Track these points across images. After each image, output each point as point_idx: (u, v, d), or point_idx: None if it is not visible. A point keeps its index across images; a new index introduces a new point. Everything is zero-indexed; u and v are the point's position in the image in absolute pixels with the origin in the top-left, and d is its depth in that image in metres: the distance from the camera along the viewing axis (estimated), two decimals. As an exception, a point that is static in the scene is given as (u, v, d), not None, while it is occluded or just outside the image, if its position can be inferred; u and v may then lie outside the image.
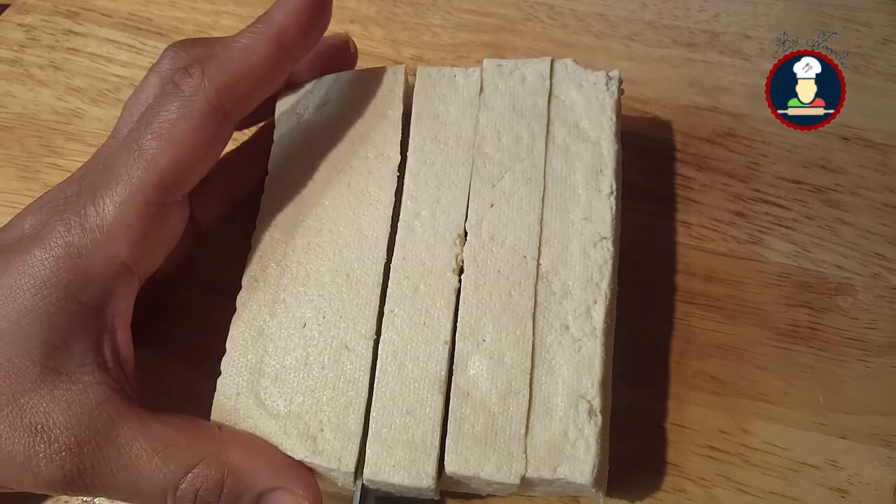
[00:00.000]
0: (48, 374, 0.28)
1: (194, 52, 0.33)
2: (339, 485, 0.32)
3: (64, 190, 0.31)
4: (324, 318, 0.33)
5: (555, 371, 0.31)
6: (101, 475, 0.29)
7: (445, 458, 0.30)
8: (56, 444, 0.28)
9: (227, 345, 0.33)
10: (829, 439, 0.36)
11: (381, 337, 0.32)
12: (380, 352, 0.32)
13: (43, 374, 0.28)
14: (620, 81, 0.36)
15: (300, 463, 0.31)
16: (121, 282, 0.30)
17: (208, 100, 0.31)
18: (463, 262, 0.33)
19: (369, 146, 0.36)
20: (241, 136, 0.41)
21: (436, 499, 0.32)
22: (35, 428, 0.28)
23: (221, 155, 0.33)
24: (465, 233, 0.33)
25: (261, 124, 0.40)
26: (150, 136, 0.30)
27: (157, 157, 0.30)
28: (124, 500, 0.30)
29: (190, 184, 0.32)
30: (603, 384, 0.31)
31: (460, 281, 0.33)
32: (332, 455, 0.30)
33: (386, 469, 0.30)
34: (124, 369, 0.31)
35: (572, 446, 0.30)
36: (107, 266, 0.30)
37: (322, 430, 0.31)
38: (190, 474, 0.29)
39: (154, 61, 0.45)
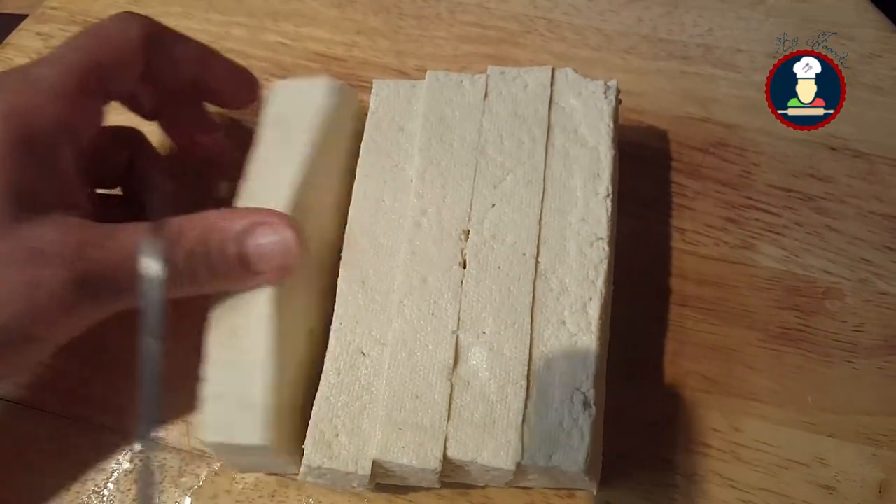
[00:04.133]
0: (24, 214, 0.29)
1: None
2: (355, 486, 0.33)
3: None
4: (340, 324, 0.34)
5: (551, 364, 0.32)
6: (109, 262, 0.30)
7: (446, 443, 0.31)
8: (56, 254, 0.29)
9: None
10: (818, 438, 0.37)
11: (392, 326, 0.33)
12: (390, 340, 0.33)
13: (20, 215, 0.29)
14: (618, 91, 0.38)
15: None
16: (63, 133, 0.32)
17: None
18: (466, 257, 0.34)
19: (384, 156, 0.37)
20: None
21: (437, 486, 0.33)
22: (33, 250, 0.29)
23: None
24: (469, 230, 0.35)
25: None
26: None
27: (90, 51, 0.33)
28: (131, 290, 0.30)
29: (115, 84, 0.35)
30: (597, 377, 0.32)
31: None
32: (347, 459, 0.31)
33: (395, 450, 0.31)
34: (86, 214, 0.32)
35: (567, 436, 0.31)
36: (52, 104, 0.32)
37: (337, 434, 0.32)
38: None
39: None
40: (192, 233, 0.30)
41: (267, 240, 0.31)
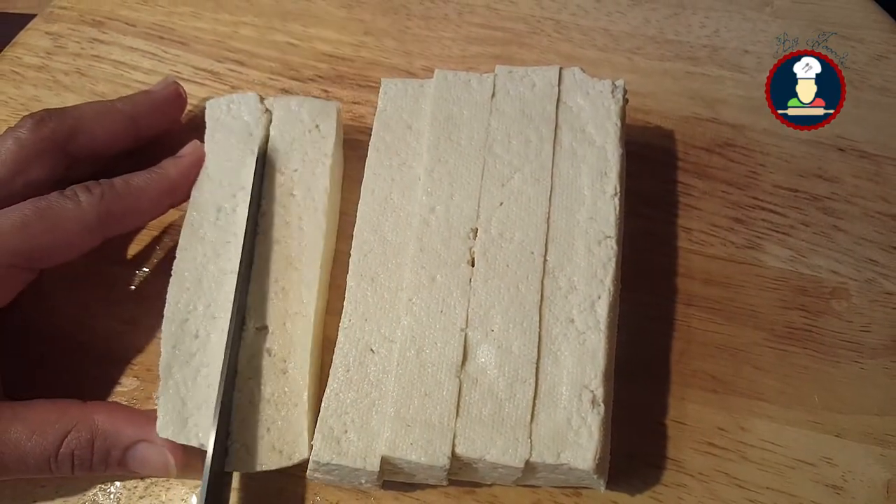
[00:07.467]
0: None
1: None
2: (363, 482, 0.33)
3: None
4: (349, 321, 0.34)
5: (560, 361, 0.32)
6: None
7: (454, 440, 0.31)
8: None
9: None
10: (825, 437, 0.37)
11: (401, 323, 0.33)
12: (399, 337, 0.33)
13: None
14: (625, 90, 0.38)
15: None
16: None
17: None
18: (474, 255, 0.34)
19: (392, 154, 0.37)
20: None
21: (444, 484, 0.33)
22: None
23: None
24: (477, 228, 0.35)
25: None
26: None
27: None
28: (15, 475, 0.34)
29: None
30: (606, 375, 0.32)
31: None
32: (356, 455, 0.31)
33: (404, 447, 0.31)
34: None
35: (575, 433, 0.31)
36: None
37: (346, 431, 0.32)
38: (64, 441, 0.33)
39: (176, 69, 0.47)
40: (81, 435, 0.33)
41: (149, 455, 0.34)
